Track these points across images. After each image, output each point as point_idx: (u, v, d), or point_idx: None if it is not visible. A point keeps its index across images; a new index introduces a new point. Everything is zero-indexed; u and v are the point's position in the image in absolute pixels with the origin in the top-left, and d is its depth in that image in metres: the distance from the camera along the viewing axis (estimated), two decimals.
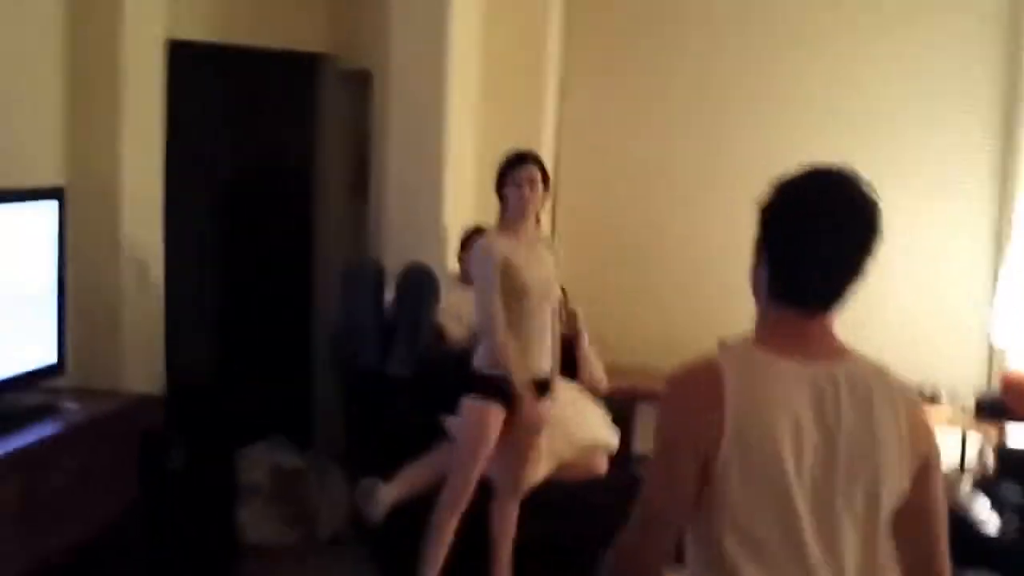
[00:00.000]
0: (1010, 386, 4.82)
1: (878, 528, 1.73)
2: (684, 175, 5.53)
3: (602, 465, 4.45)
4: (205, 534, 4.17)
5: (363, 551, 4.49)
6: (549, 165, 5.45)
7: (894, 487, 1.74)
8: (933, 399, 5.15)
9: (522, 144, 5.17)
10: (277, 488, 4.71)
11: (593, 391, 4.62)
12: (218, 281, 5.30)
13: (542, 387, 3.96)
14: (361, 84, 5.26)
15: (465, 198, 5.15)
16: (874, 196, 1.73)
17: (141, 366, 4.22)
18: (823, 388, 1.72)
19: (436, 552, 3.90)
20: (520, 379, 3.82)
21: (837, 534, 1.71)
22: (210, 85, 5.06)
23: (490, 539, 4.02)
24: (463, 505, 3.90)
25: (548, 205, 5.48)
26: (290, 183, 5.57)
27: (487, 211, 5.16)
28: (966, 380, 5.21)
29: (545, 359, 3.97)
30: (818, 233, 1.72)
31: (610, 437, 4.50)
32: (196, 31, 4.74)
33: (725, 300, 5.33)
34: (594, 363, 4.71)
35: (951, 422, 4.86)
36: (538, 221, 4.02)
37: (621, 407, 4.70)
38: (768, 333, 1.79)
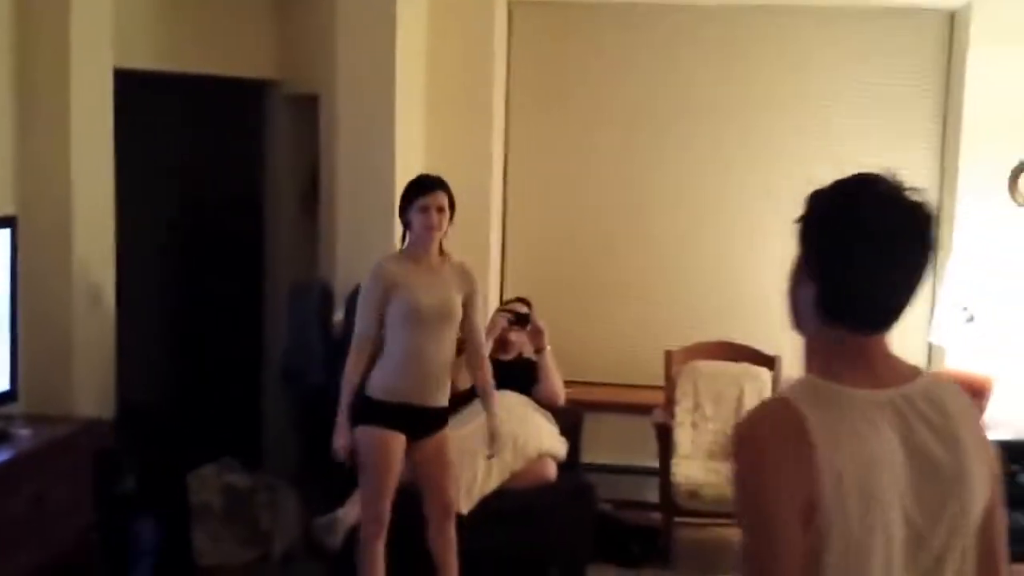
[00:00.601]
0: None
1: (967, 556, 1.62)
2: (631, 194, 5.62)
3: (551, 473, 4.52)
4: (161, 556, 4.19)
5: (318, 568, 4.51)
6: (498, 184, 5.62)
7: (980, 504, 1.61)
8: None
9: (472, 161, 5.38)
10: (230, 508, 4.69)
11: (551, 404, 4.73)
12: (169, 304, 5.33)
13: (435, 417, 3.89)
14: (309, 108, 5.34)
15: None
16: (927, 200, 1.59)
17: (93, 390, 4.24)
18: (903, 412, 1.58)
19: None
20: (345, 403, 3.76)
21: (937, 563, 1.58)
22: (159, 112, 5.10)
23: (434, 563, 3.96)
24: (383, 532, 3.81)
25: (499, 223, 5.64)
26: (240, 206, 5.61)
27: None
28: None
29: (442, 391, 3.86)
30: (879, 248, 1.55)
31: (558, 447, 4.59)
32: (144, 59, 4.78)
33: (669, 313, 5.53)
34: (555, 378, 4.81)
35: None
36: (441, 249, 3.87)
37: (569, 417, 4.79)
38: (828, 362, 1.61)
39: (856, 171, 1.62)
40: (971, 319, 4.84)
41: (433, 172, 5.25)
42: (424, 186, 3.84)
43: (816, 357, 1.64)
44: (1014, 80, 5.04)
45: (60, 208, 4.13)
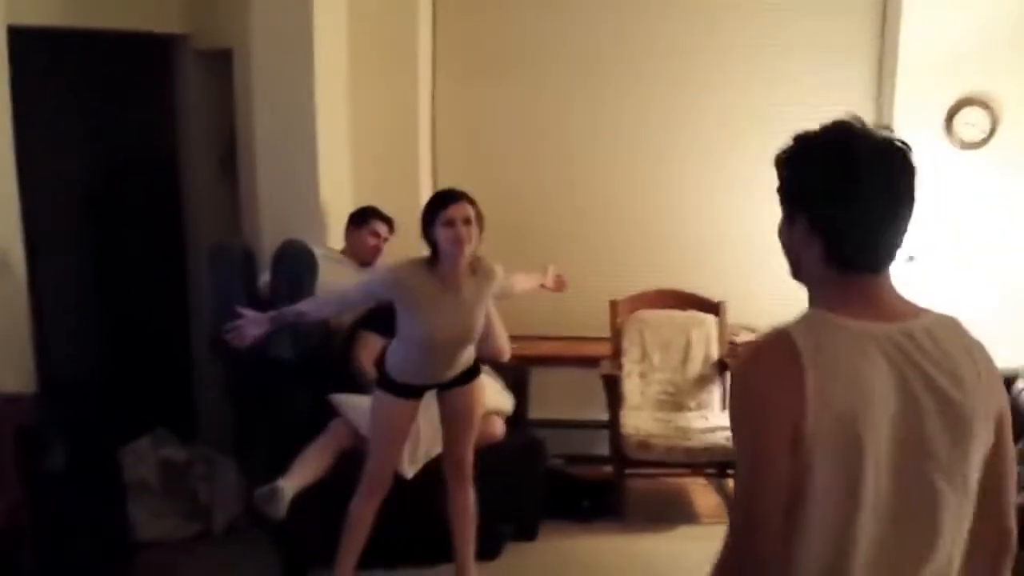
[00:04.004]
0: None
1: (970, 488, 1.65)
2: (569, 145, 5.52)
3: (499, 431, 4.48)
4: (97, 535, 4.01)
5: (261, 539, 4.37)
6: (427, 139, 5.44)
7: (983, 441, 1.65)
8: None
9: (399, 116, 5.18)
10: (167, 482, 4.56)
11: (496, 360, 4.58)
12: (88, 273, 5.16)
13: (459, 377, 3.83)
14: (223, 63, 5.08)
15: (341, 173, 5.07)
16: (902, 141, 1.64)
17: (8, 364, 4.03)
18: (903, 347, 1.61)
19: (351, 540, 3.80)
20: (283, 312, 3.69)
21: (928, 503, 1.61)
22: (60, 72, 4.84)
23: (451, 531, 3.97)
24: (380, 494, 3.79)
25: (428, 180, 5.46)
26: (155, 168, 5.37)
27: (366, 187, 5.12)
28: None
29: (455, 370, 3.78)
30: (879, 190, 1.60)
31: (506, 402, 4.53)
32: (39, 14, 4.50)
33: (613, 264, 5.46)
34: (500, 332, 4.66)
35: None
36: (473, 262, 3.62)
37: (516, 373, 4.71)
38: (834, 300, 1.65)
39: (828, 120, 1.65)
40: (911, 259, 4.86)
41: (360, 128, 5.15)
42: (446, 198, 3.56)
43: (821, 301, 1.67)
44: (949, 20, 5.03)
45: None
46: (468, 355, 3.82)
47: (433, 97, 5.56)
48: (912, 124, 5.04)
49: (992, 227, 5.05)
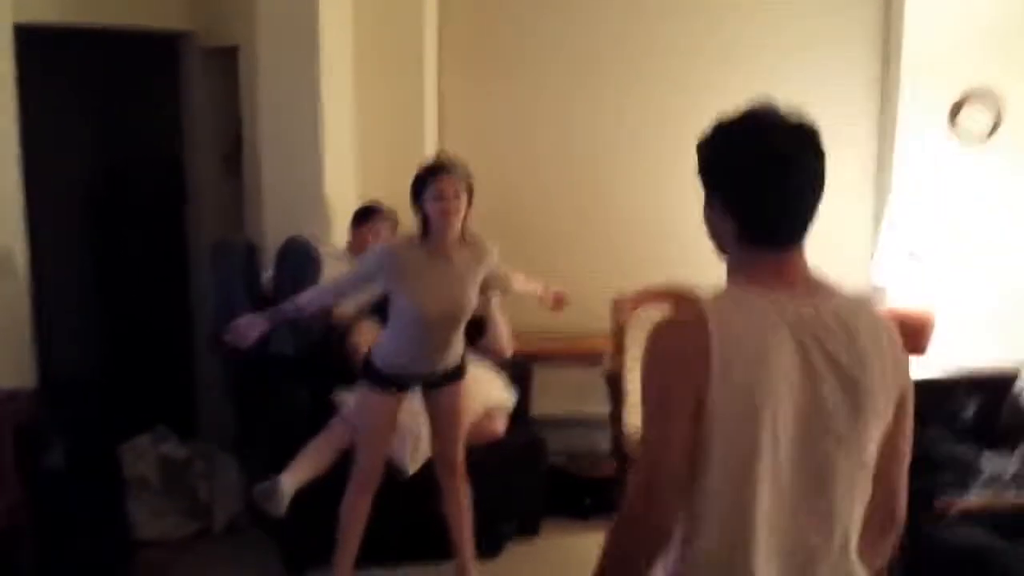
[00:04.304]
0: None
1: (866, 463, 1.71)
2: (572, 142, 5.48)
3: (501, 426, 4.47)
4: (98, 533, 4.02)
5: (261, 537, 4.40)
6: (432, 136, 5.44)
7: (882, 421, 1.71)
8: None
9: (405, 113, 5.17)
10: (167, 480, 4.57)
11: (499, 356, 4.58)
12: (90, 271, 5.18)
13: (446, 374, 3.80)
14: (228, 60, 5.09)
15: (346, 170, 5.06)
16: (813, 122, 1.73)
17: (9, 362, 4.04)
18: (809, 322, 1.67)
19: (347, 536, 3.80)
20: (280, 309, 3.65)
21: (824, 476, 1.67)
22: (66, 70, 4.86)
23: (448, 528, 3.97)
24: (371, 488, 3.79)
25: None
26: (160, 166, 5.39)
27: (370, 184, 5.12)
28: None
29: (452, 354, 3.76)
30: (788, 169, 1.69)
31: (508, 399, 4.51)
32: (45, 13, 4.52)
33: (616, 261, 5.43)
34: (503, 330, 4.65)
35: None
36: (463, 234, 3.64)
37: (518, 369, 4.70)
38: (747, 275, 1.74)
39: (744, 107, 1.75)
40: (913, 256, 4.85)
41: (365, 125, 5.14)
42: (437, 170, 3.57)
43: (737, 275, 1.76)
44: (951, 14, 4.99)
45: None
46: (457, 348, 3.78)
47: (439, 94, 5.56)
48: (916, 120, 5.06)
49: (995, 224, 5.01)
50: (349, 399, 4.19)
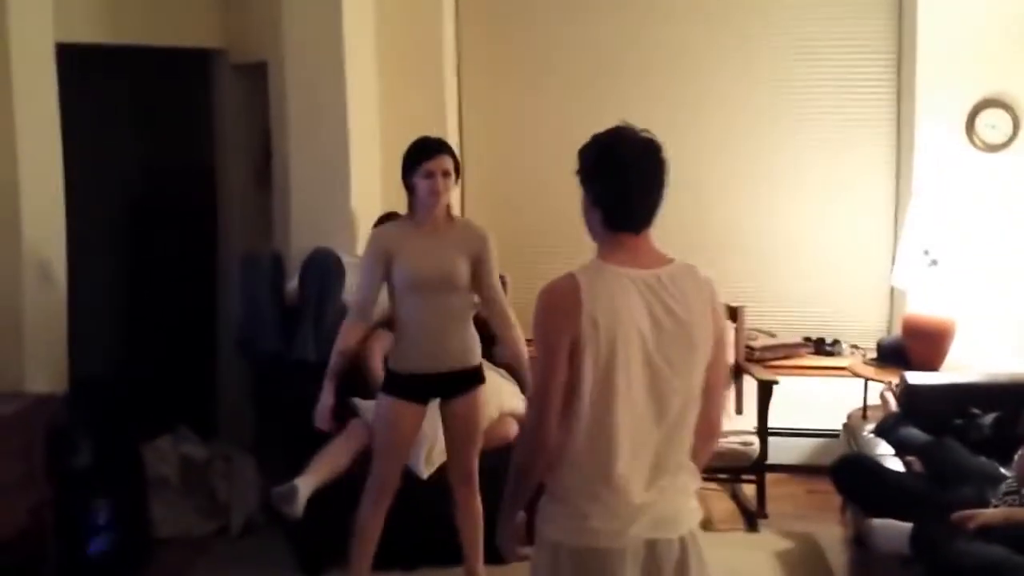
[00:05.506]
0: (909, 328, 4.94)
1: (695, 386, 2.28)
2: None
3: (513, 432, 4.40)
4: (118, 531, 4.13)
5: (278, 537, 4.47)
6: (455, 143, 5.54)
7: (705, 355, 2.29)
8: (832, 351, 5.33)
9: (428, 125, 5.26)
10: (187, 480, 4.65)
11: (514, 364, 4.61)
12: (122, 277, 5.30)
13: (462, 378, 3.81)
14: (258, 76, 5.26)
15: (372, 183, 5.17)
16: (657, 140, 2.29)
17: (44, 367, 4.18)
18: (652, 285, 2.24)
19: (361, 546, 3.82)
20: (330, 368, 3.72)
21: (666, 396, 2.23)
22: (104, 86, 5.03)
23: (460, 540, 3.98)
24: (387, 498, 3.80)
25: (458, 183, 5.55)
26: (192, 179, 5.54)
27: (396, 195, 5.22)
28: (872, 328, 5.44)
29: (464, 353, 3.78)
30: (636, 174, 2.27)
31: (519, 404, 4.51)
32: (85, 33, 4.69)
33: None
34: (517, 336, 4.67)
35: (854, 371, 4.99)
36: (449, 211, 3.77)
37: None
38: (609, 253, 2.28)
39: (611, 127, 2.31)
40: (933, 263, 4.81)
41: (389, 137, 5.25)
42: (428, 150, 3.70)
43: (600, 253, 2.31)
44: (967, 21, 4.97)
45: (7, 188, 4.07)
46: (463, 342, 3.79)
47: (460, 105, 5.66)
48: (933, 126, 5.04)
49: (1015, 232, 4.98)
50: (366, 402, 4.26)
